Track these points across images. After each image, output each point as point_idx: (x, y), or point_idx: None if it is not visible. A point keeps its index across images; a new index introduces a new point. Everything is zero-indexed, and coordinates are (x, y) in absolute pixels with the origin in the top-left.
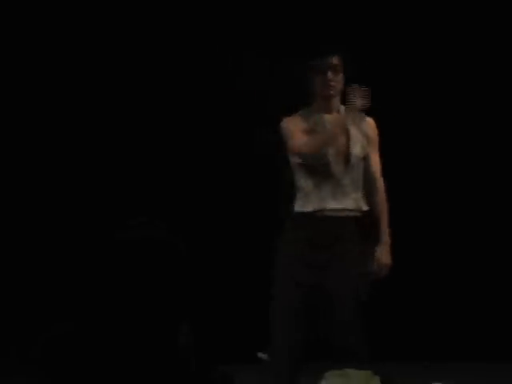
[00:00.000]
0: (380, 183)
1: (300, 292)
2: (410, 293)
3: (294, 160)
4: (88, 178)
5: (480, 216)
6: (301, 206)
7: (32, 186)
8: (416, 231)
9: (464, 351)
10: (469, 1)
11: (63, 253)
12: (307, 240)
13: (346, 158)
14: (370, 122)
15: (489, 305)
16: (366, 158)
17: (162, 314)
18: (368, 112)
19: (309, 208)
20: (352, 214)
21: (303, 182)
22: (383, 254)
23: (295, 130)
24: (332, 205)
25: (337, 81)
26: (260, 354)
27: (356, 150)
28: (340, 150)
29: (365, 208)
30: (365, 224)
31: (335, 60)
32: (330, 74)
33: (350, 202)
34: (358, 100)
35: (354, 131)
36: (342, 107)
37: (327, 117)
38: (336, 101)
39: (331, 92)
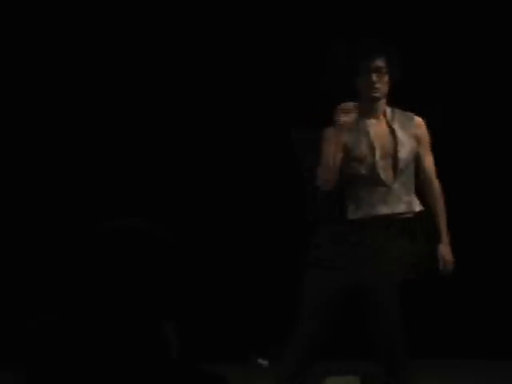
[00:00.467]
0: (435, 184)
1: (334, 292)
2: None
3: (343, 168)
4: (91, 178)
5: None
6: (352, 212)
7: (21, 183)
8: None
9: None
10: None
11: (46, 246)
12: (354, 243)
13: (394, 162)
14: (418, 122)
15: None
16: (417, 159)
17: (145, 307)
18: (420, 111)
19: (359, 215)
20: (403, 217)
21: (347, 190)
22: (447, 253)
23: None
24: (383, 210)
25: (382, 83)
26: (260, 361)
27: (404, 153)
28: (386, 155)
29: (418, 209)
30: (423, 224)
31: (380, 62)
32: (374, 76)
33: (402, 206)
34: (342, 118)
35: (400, 134)
36: (389, 109)
37: (372, 121)
38: (381, 103)
39: (376, 94)
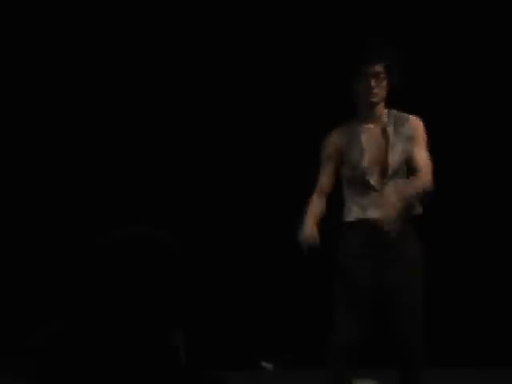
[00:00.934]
0: (420, 175)
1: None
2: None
3: (343, 173)
4: (94, 180)
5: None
6: (345, 215)
7: (22, 187)
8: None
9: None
10: None
11: (54, 254)
12: (358, 245)
13: (384, 167)
14: (413, 122)
15: None
16: (410, 158)
17: (154, 315)
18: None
19: (351, 218)
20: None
21: (346, 192)
22: (392, 194)
23: (340, 141)
24: (373, 214)
25: (380, 88)
26: (264, 364)
27: (394, 157)
28: (376, 160)
29: (416, 212)
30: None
31: (379, 67)
32: (372, 82)
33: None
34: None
35: (393, 137)
36: (386, 112)
37: (367, 126)
38: (379, 107)
39: (374, 99)
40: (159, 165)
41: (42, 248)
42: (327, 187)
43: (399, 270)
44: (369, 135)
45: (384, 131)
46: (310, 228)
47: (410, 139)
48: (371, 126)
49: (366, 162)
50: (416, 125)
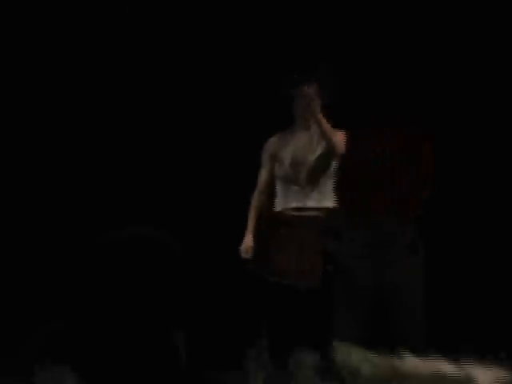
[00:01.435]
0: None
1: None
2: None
3: (276, 171)
4: (92, 180)
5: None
6: (277, 205)
7: (25, 186)
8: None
9: None
10: None
11: (54, 254)
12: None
13: (305, 167)
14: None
15: None
16: (329, 156)
17: (153, 315)
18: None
19: (279, 208)
20: (314, 212)
21: (278, 187)
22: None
23: (276, 146)
24: (294, 205)
25: (313, 105)
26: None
27: (312, 160)
28: (299, 162)
29: (327, 205)
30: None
31: (310, 88)
32: (303, 101)
33: (311, 202)
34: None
35: (315, 145)
36: (314, 125)
37: (298, 135)
38: (309, 121)
39: (304, 115)
40: (159, 164)
41: (42, 248)
42: (265, 185)
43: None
44: (298, 142)
45: (310, 140)
46: (248, 241)
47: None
48: (301, 135)
49: (288, 163)
50: (339, 136)
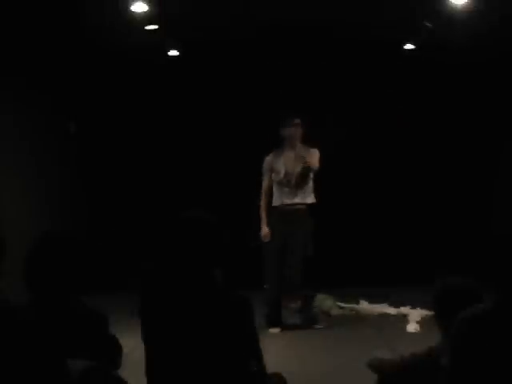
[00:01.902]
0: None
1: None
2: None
3: (273, 178)
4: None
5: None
6: (273, 202)
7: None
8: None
9: None
10: None
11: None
12: (279, 220)
13: (293, 175)
14: (312, 151)
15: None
16: (310, 169)
17: (204, 257)
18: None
19: (276, 203)
20: (300, 206)
21: (274, 189)
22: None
23: (272, 161)
24: (287, 201)
25: (298, 132)
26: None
27: (297, 170)
28: (289, 172)
29: (309, 201)
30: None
31: (296, 121)
32: (293, 129)
33: (297, 199)
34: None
35: (298, 160)
36: (299, 146)
37: (288, 152)
38: (296, 143)
39: (294, 140)
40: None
41: (145, 219)
42: (268, 188)
43: (297, 236)
44: (288, 158)
45: (296, 156)
46: (265, 229)
47: (308, 159)
48: (290, 153)
49: (282, 173)
50: (314, 152)
